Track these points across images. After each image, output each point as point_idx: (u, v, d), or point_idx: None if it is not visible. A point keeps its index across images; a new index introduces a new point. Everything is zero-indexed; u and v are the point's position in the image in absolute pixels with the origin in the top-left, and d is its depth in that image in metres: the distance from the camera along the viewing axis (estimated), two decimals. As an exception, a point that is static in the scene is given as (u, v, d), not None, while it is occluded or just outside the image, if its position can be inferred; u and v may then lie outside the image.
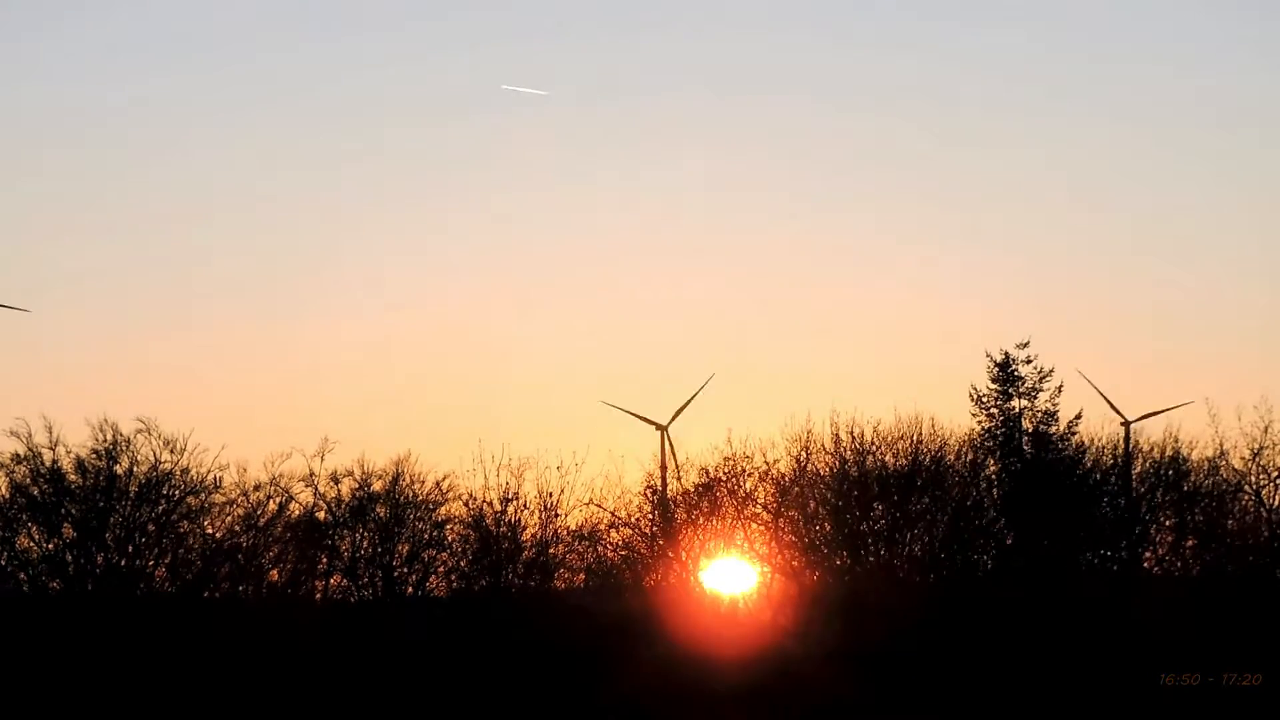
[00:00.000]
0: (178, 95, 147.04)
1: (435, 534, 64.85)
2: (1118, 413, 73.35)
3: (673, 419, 75.37)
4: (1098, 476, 70.79)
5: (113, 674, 56.26)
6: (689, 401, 76.06)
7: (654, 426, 74.92)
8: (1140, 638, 62.65)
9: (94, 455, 60.42)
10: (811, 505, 67.20)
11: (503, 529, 64.71)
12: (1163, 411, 73.31)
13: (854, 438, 67.79)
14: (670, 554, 66.72)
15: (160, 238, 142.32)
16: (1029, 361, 71.55)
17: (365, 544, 64.12)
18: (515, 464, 64.95)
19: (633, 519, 66.87)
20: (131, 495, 60.39)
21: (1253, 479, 70.60)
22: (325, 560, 63.68)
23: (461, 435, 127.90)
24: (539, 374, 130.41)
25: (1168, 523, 70.51)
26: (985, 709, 59.22)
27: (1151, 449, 71.65)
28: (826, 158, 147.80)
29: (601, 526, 66.18)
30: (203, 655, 57.36)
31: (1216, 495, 70.01)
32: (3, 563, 59.57)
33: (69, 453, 60.34)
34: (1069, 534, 68.03)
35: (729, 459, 68.06)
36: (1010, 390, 71.21)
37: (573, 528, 65.71)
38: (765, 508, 67.53)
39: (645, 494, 67.75)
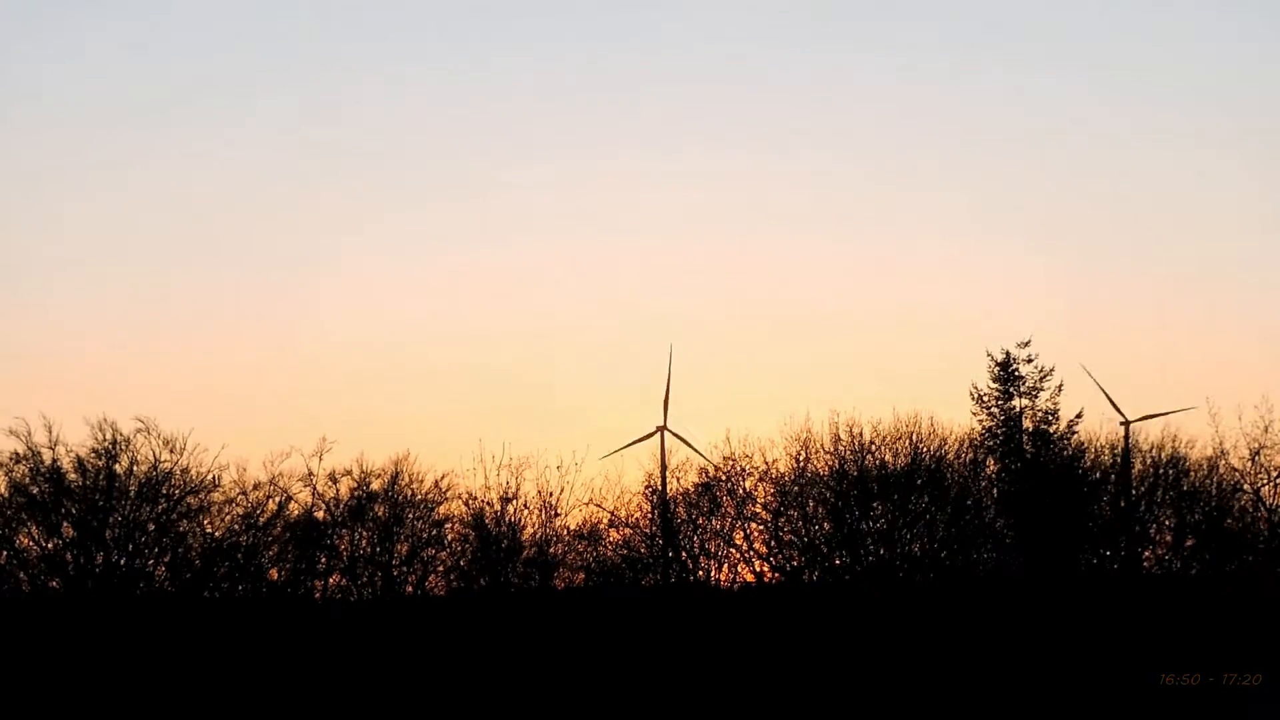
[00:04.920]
0: (177, 93, 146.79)
1: (434, 533, 64.83)
2: (1119, 411, 73.31)
3: (665, 415, 74.99)
4: (1097, 476, 70.87)
5: (113, 674, 56.21)
6: (668, 388, 75.55)
7: (655, 431, 74.36)
8: (1140, 638, 62.71)
9: (94, 454, 60.32)
10: (811, 505, 67.18)
11: (502, 528, 64.71)
12: (1163, 414, 73.15)
13: (853, 437, 67.91)
14: (670, 553, 66.77)
15: (160, 237, 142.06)
16: (1030, 360, 71.81)
17: (364, 543, 64.09)
18: (515, 463, 65.10)
19: (632, 519, 66.94)
20: (131, 494, 60.28)
21: (1252, 479, 70.70)
22: (324, 559, 63.63)
23: (461, 435, 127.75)
24: (539, 374, 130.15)
25: (1167, 522, 70.60)
26: (985, 709, 59.23)
27: (1151, 448, 71.82)
28: (826, 156, 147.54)
29: (601, 526, 66.26)
30: (203, 655, 57.33)
31: (1216, 495, 70.07)
32: (2, 562, 59.47)
33: (69, 452, 60.26)
34: (1069, 533, 68.08)
35: (728, 459, 68.19)
36: (1011, 389, 71.40)
37: (572, 527, 65.82)
38: (765, 507, 67.55)
39: (645, 494, 67.82)
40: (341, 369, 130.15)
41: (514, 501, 64.95)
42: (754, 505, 67.46)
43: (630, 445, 72.43)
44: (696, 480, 68.48)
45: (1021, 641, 61.97)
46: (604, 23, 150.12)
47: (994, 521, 69.04)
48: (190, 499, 61.21)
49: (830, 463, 67.60)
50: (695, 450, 70.34)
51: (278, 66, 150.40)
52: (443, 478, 65.09)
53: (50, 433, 60.21)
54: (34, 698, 55.36)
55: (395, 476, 64.57)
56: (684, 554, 66.81)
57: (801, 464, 67.80)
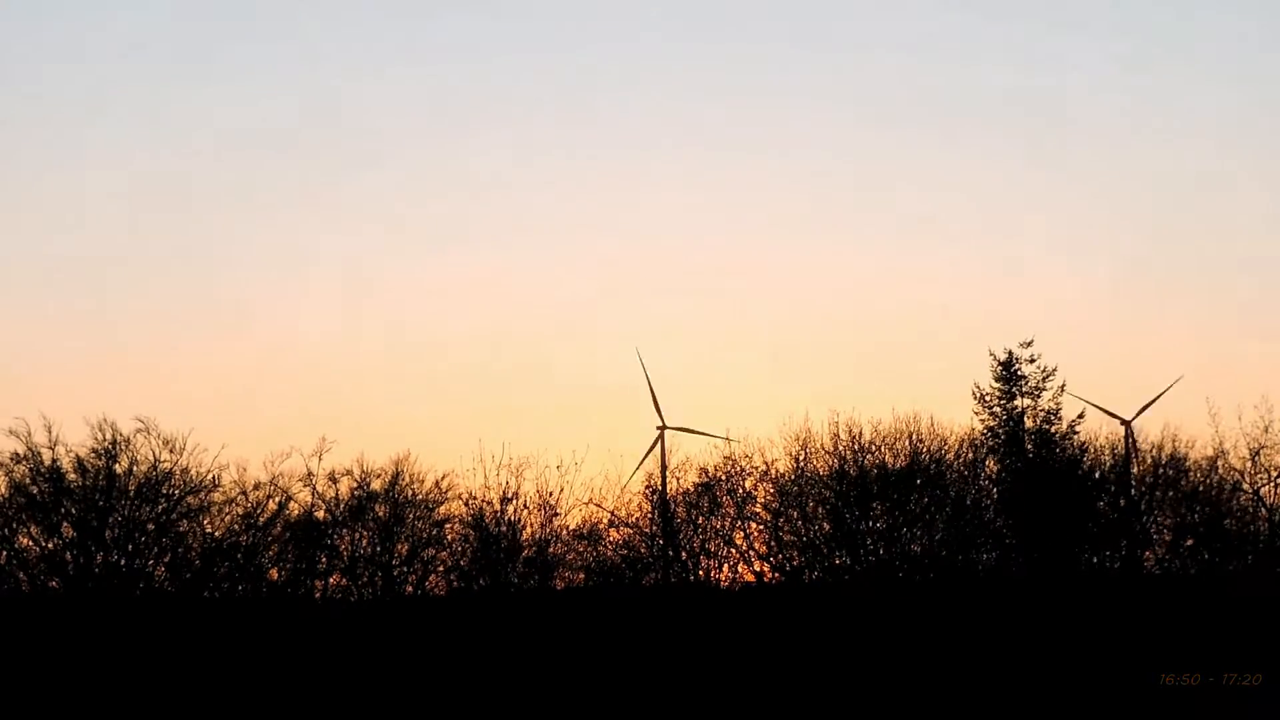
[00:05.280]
0: (176, 91, 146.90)
1: (434, 533, 64.82)
2: (1114, 416, 73.54)
3: (659, 415, 75.11)
4: (1098, 476, 70.86)
5: (112, 674, 56.21)
6: (651, 389, 75.93)
7: (657, 433, 74.64)
8: (1140, 638, 62.67)
9: (93, 454, 60.26)
10: (810, 505, 67.16)
11: (502, 528, 64.71)
12: (1156, 398, 73.32)
13: (853, 437, 67.89)
14: (670, 553, 66.77)
15: (160, 237, 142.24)
16: (1032, 360, 71.69)
17: (364, 543, 64.08)
18: (515, 463, 65.08)
19: (632, 519, 66.93)
20: (131, 494, 60.27)
21: (1252, 478, 70.68)
22: (324, 560, 63.62)
23: (461, 435, 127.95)
24: (539, 374, 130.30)
25: (1167, 522, 70.59)
26: (985, 709, 59.21)
27: (1151, 448, 71.84)
28: (825, 155, 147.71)
29: (601, 526, 66.25)
30: (203, 655, 57.33)
31: (1216, 494, 70.06)
32: (2, 562, 59.45)
33: (68, 452, 60.19)
34: (1069, 533, 68.06)
35: (728, 458, 68.17)
36: (1013, 389, 71.30)
37: (572, 527, 65.81)
38: (765, 507, 67.51)
39: (645, 494, 67.81)
40: (341, 369, 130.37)
41: (514, 501, 64.97)
42: (754, 505, 67.48)
43: (644, 459, 73.28)
44: (696, 480, 68.53)
45: (1021, 641, 61.93)
46: (603, 23, 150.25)
47: (994, 521, 69.00)
48: (190, 499, 61.18)
49: (830, 463, 67.59)
50: (704, 434, 70.58)
51: (278, 65, 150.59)
52: (443, 478, 65.15)
53: (50, 433, 60.26)
54: (34, 698, 55.36)
55: (395, 476, 64.59)
56: (684, 554, 66.81)
57: (801, 464, 67.79)
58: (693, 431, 72.18)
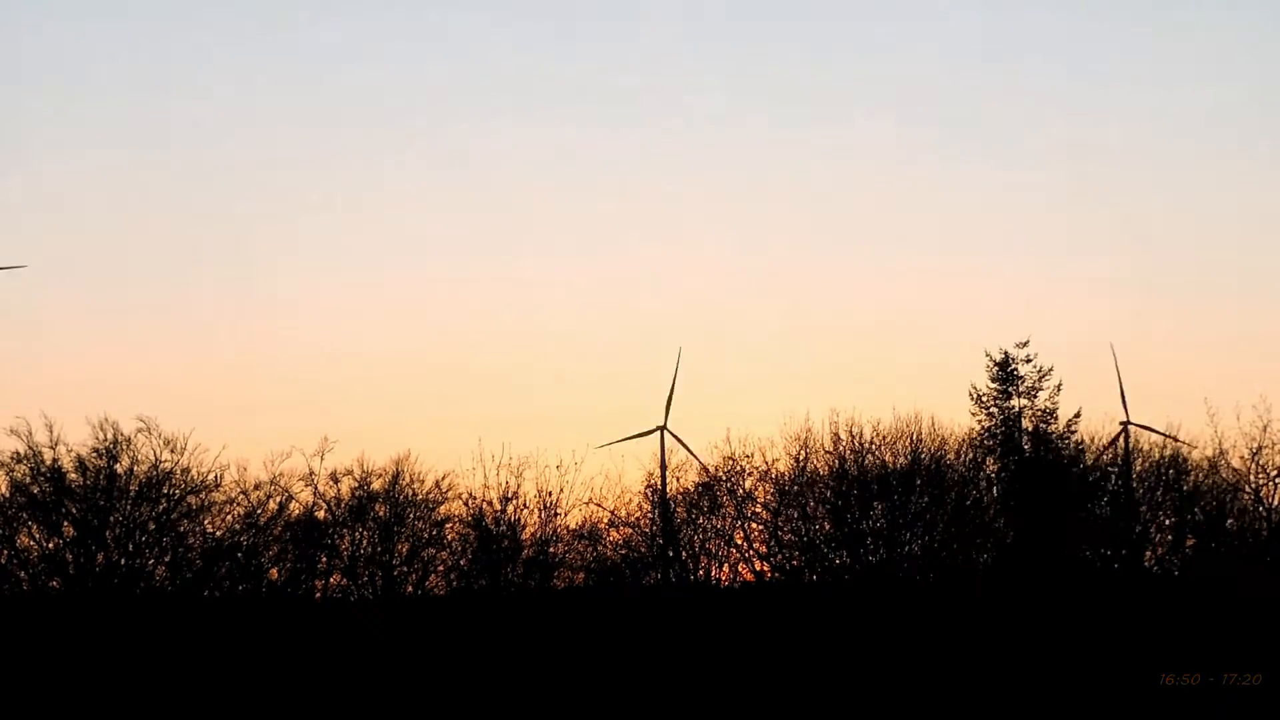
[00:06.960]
0: (179, 90, 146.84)
1: (435, 533, 64.85)
2: (1125, 409, 73.44)
3: (666, 415, 74.99)
4: (1097, 475, 70.86)
5: (113, 673, 56.23)
6: (672, 389, 75.58)
7: (654, 430, 74.45)
8: (1140, 638, 62.68)
9: (94, 454, 60.31)
10: (810, 505, 67.19)
11: (502, 528, 64.74)
12: (1164, 435, 73.14)
13: (853, 437, 67.91)
14: (670, 553, 66.81)
15: (161, 237, 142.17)
16: (1029, 360, 71.72)
17: (365, 543, 64.11)
18: (515, 463, 65.13)
19: (632, 518, 66.96)
20: (132, 494, 60.27)
21: (1252, 478, 70.64)
22: (325, 559, 63.64)
23: (461, 435, 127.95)
24: (539, 375, 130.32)
25: (1167, 522, 70.59)
26: (985, 709, 59.23)
27: (1151, 448, 71.84)
28: (825, 154, 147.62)
29: (601, 526, 66.28)
30: (203, 655, 57.35)
31: (1216, 495, 70.03)
32: (3, 561, 59.46)
33: (69, 451, 60.24)
34: (1068, 533, 68.07)
35: (728, 458, 68.21)
36: (1010, 389, 71.35)
37: (572, 527, 65.83)
38: (765, 507, 67.54)
39: (645, 493, 67.85)
40: (341, 369, 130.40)
41: (514, 501, 65.02)
42: (754, 505, 67.50)
43: (628, 439, 73.03)
44: (696, 480, 68.55)
45: (1021, 641, 61.94)
46: (604, 24, 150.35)
47: (994, 521, 69.02)
48: (191, 499, 61.23)
49: (830, 463, 67.62)
50: (691, 453, 70.60)
51: (278, 63, 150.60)
52: (443, 478, 65.20)
53: (51, 432, 60.29)
54: (34, 698, 55.38)
55: (396, 476, 64.61)
56: (684, 554, 66.83)
57: (801, 464, 67.81)
58: (684, 445, 72.17)
